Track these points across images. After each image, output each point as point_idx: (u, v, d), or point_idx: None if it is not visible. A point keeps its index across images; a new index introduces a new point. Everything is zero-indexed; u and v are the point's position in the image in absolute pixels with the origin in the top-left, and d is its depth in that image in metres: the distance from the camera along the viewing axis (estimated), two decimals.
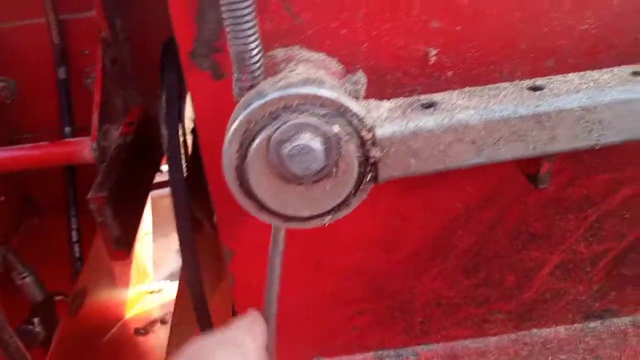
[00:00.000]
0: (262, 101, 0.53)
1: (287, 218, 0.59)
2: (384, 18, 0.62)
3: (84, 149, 1.21)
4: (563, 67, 0.65)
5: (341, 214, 0.59)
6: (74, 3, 1.37)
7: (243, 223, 0.78)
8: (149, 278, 1.96)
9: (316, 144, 0.52)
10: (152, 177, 1.34)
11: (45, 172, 1.45)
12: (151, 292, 1.87)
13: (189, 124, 1.08)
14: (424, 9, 0.61)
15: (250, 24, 0.52)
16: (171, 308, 1.72)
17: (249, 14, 0.51)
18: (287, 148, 0.53)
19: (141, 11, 1.35)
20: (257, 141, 0.53)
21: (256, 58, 0.54)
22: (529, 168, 0.62)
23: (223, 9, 0.51)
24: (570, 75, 0.59)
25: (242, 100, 0.56)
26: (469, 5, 0.62)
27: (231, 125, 0.54)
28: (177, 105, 0.99)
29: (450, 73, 0.65)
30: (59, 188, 1.51)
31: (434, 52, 0.64)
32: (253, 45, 0.53)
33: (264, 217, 0.59)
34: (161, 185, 1.44)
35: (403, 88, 0.66)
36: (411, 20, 0.62)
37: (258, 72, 0.55)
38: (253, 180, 0.55)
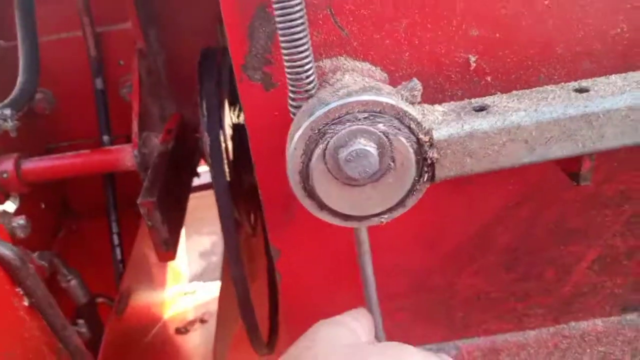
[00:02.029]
0: (325, 109, 0.56)
1: (346, 217, 0.63)
2: (425, 28, 0.65)
3: (126, 156, 1.26)
4: (599, 69, 0.68)
5: (397, 213, 0.63)
6: (109, 16, 1.42)
7: (290, 225, 0.82)
8: (183, 279, 2.02)
9: (371, 148, 0.56)
10: (191, 181, 1.39)
11: (82, 178, 1.50)
12: (185, 293, 1.93)
13: (228, 130, 1.12)
14: (464, 18, 0.64)
15: (304, 47, 0.56)
16: (207, 308, 1.77)
17: (303, 37, 0.56)
18: (343, 153, 0.56)
19: (174, 23, 1.40)
20: (320, 146, 0.57)
21: (310, 77, 0.58)
22: (571, 166, 0.64)
23: (280, 35, 0.55)
24: (613, 77, 0.62)
25: (305, 108, 0.60)
26: (506, 15, 0.65)
27: (296, 132, 0.58)
28: (217, 114, 1.03)
29: (489, 78, 0.68)
30: (95, 193, 1.57)
31: (474, 58, 0.67)
32: (308, 66, 0.57)
33: (324, 217, 0.63)
34: (198, 189, 1.49)
35: (444, 92, 0.69)
36: (452, 29, 0.65)
37: (312, 89, 0.59)
38: (316, 183, 0.59)
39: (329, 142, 0.57)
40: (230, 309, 1.22)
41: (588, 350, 0.97)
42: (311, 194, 0.60)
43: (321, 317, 0.95)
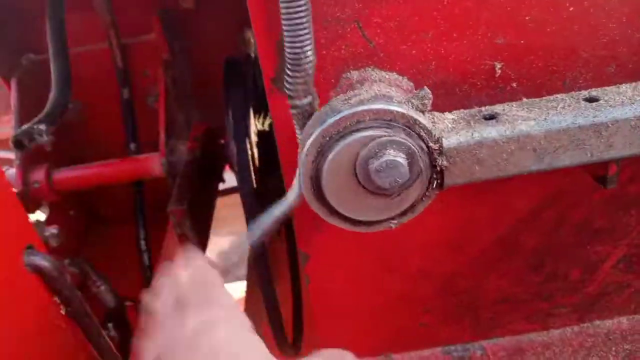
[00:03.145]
0: (336, 117, 0.58)
1: (356, 222, 0.64)
2: (451, 37, 0.66)
3: (154, 164, 1.30)
4: (623, 73, 0.69)
5: (407, 219, 0.64)
6: (134, 28, 1.45)
7: (318, 230, 0.84)
8: None
9: (401, 159, 0.58)
10: (217, 187, 1.42)
11: (110, 185, 1.53)
12: None
13: (253, 138, 1.14)
14: (489, 26, 0.66)
15: (305, 25, 0.56)
16: None
17: (304, 17, 0.56)
18: (374, 164, 0.58)
19: (197, 33, 1.43)
20: (331, 153, 0.59)
21: (309, 59, 0.58)
22: (597, 170, 0.65)
23: (282, 15, 0.56)
24: (623, 87, 0.63)
25: (316, 116, 0.61)
26: (531, 21, 0.66)
27: (307, 139, 0.60)
28: (244, 122, 1.06)
29: (514, 84, 0.69)
30: (123, 200, 1.60)
31: (499, 65, 0.68)
32: (307, 46, 0.58)
33: (334, 221, 0.65)
34: (222, 193, 1.52)
35: (470, 100, 0.70)
36: (477, 38, 0.66)
37: (310, 72, 0.59)
38: (326, 188, 0.61)
39: (358, 152, 0.58)
40: (256, 312, 1.25)
41: (613, 349, 0.98)
42: (321, 198, 0.61)
43: (349, 319, 0.98)
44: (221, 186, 1.59)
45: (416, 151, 0.58)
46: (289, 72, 0.59)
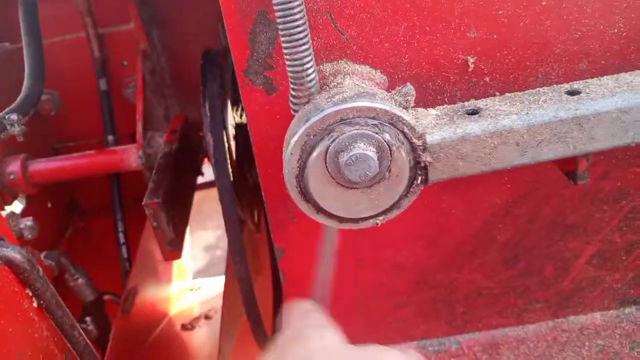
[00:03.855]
0: (320, 115, 0.58)
1: (342, 219, 0.65)
2: (424, 31, 0.66)
3: (131, 156, 1.28)
4: (596, 69, 0.69)
5: (393, 215, 0.64)
6: (112, 17, 1.43)
7: (293, 225, 0.83)
8: (188, 276, 2.04)
9: (371, 152, 0.57)
10: (195, 180, 1.40)
11: (88, 177, 1.51)
12: (191, 290, 1.95)
13: (230, 130, 1.13)
14: (462, 20, 0.65)
15: (305, 47, 0.57)
16: (212, 304, 1.79)
17: (304, 38, 0.57)
18: (344, 157, 0.58)
19: (176, 23, 1.41)
20: (316, 151, 0.59)
21: (311, 77, 0.59)
22: (567, 166, 0.65)
23: (281, 36, 0.56)
24: (605, 79, 0.63)
25: (300, 114, 0.61)
26: (503, 16, 0.65)
27: (291, 138, 0.59)
28: (220, 115, 1.05)
29: (487, 78, 0.69)
30: (102, 192, 1.58)
31: (472, 59, 0.68)
32: (309, 66, 0.58)
33: (320, 219, 0.65)
34: (202, 186, 1.50)
35: (443, 94, 0.70)
36: (450, 32, 0.66)
37: (313, 89, 0.60)
38: (312, 186, 0.61)
39: (329, 146, 0.58)
40: (234, 306, 1.24)
41: (587, 344, 0.99)
42: (307, 197, 0.62)
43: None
44: (205, 179, 1.58)
45: (386, 145, 0.58)
46: (292, 91, 0.60)
